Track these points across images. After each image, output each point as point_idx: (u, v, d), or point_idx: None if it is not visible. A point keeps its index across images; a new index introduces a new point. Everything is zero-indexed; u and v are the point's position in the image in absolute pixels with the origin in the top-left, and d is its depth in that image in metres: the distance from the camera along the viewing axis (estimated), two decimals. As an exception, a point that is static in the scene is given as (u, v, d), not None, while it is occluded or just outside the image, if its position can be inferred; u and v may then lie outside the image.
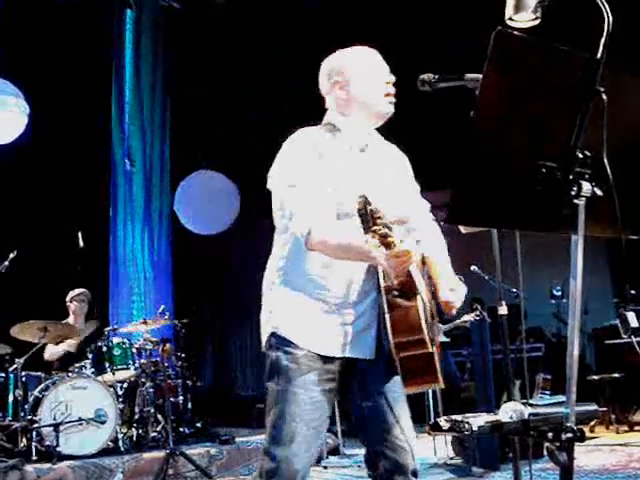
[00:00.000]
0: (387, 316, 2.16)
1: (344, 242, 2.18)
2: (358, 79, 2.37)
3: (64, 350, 6.29)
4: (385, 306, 2.18)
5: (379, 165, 2.38)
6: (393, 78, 2.39)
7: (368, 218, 1.94)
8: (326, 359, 2.26)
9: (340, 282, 2.28)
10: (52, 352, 6.29)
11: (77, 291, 6.68)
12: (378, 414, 2.31)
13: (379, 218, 1.95)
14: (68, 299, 6.65)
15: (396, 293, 2.16)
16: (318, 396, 2.24)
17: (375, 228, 1.94)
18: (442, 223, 2.49)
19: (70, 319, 6.57)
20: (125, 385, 6.04)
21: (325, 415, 2.27)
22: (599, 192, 1.59)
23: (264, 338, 2.35)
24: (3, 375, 5.74)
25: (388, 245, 1.96)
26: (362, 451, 2.42)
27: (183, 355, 6.78)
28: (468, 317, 5.40)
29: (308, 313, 2.28)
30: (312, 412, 2.23)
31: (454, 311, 2.37)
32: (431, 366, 2.18)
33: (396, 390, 2.31)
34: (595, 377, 6.94)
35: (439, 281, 2.37)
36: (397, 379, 2.23)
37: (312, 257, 2.28)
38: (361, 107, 2.37)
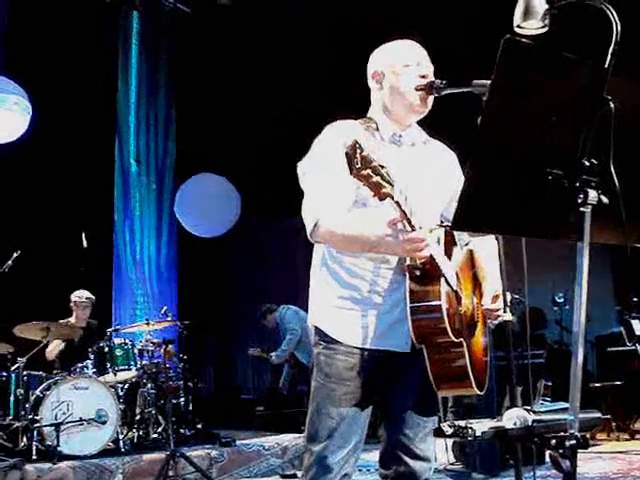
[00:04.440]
0: (408, 303, 2.09)
1: (351, 234, 2.13)
2: (391, 72, 2.34)
3: (63, 346, 6.29)
4: (407, 289, 2.11)
5: (416, 161, 2.31)
6: (428, 72, 2.32)
7: (355, 161, 1.82)
8: (363, 353, 2.23)
9: (372, 270, 2.24)
10: (51, 349, 6.27)
11: (80, 295, 6.61)
12: (407, 417, 2.30)
13: (374, 167, 1.84)
14: (72, 301, 6.62)
15: (418, 273, 2.09)
16: (355, 391, 2.22)
17: (364, 173, 1.83)
18: None
19: (72, 319, 6.56)
20: (126, 386, 6.04)
21: (362, 410, 2.24)
22: (605, 200, 1.60)
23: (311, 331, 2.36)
24: (5, 374, 5.73)
25: (382, 196, 1.87)
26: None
27: (185, 357, 6.77)
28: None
29: (341, 303, 2.26)
30: (348, 408, 2.22)
31: (495, 321, 2.36)
32: (460, 363, 2.11)
33: (430, 397, 2.28)
34: (597, 384, 6.94)
35: (484, 287, 2.36)
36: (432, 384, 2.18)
37: None
38: (395, 101, 2.33)
